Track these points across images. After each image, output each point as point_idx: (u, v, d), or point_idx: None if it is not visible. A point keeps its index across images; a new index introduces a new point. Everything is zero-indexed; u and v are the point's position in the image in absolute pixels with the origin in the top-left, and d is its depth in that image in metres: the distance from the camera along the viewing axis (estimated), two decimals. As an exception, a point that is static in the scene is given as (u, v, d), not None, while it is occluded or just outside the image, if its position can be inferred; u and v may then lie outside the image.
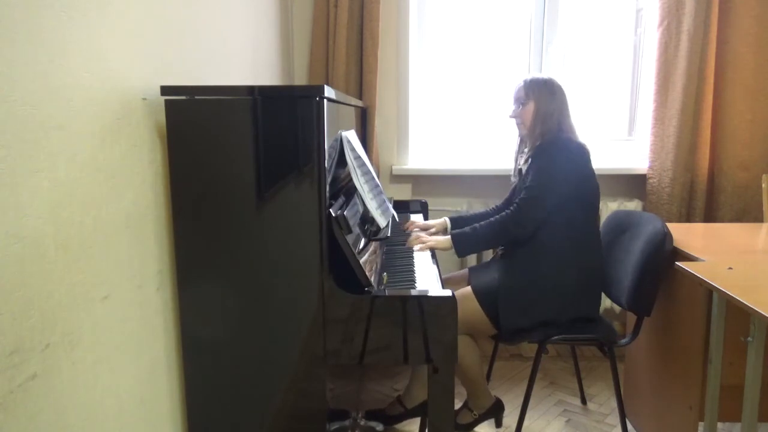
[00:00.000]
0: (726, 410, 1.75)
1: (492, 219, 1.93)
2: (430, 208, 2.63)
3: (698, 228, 2.22)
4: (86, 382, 1.06)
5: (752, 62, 2.51)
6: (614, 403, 2.34)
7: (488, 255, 2.69)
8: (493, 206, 2.24)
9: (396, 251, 1.98)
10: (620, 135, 2.86)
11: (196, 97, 1.32)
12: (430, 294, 1.40)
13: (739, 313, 1.43)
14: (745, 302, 1.26)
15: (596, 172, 1.95)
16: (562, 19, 2.73)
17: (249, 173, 1.33)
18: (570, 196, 1.87)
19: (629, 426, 2.11)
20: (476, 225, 1.93)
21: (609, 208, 2.65)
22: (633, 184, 2.74)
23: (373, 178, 1.72)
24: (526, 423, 2.18)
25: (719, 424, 2.02)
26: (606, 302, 2.65)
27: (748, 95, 2.53)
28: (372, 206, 1.67)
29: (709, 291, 1.60)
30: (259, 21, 2.22)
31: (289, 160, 1.33)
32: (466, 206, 2.72)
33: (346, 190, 1.68)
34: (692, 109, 2.53)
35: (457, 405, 2.06)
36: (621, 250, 2.01)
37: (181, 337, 1.42)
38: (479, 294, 1.90)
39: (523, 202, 1.88)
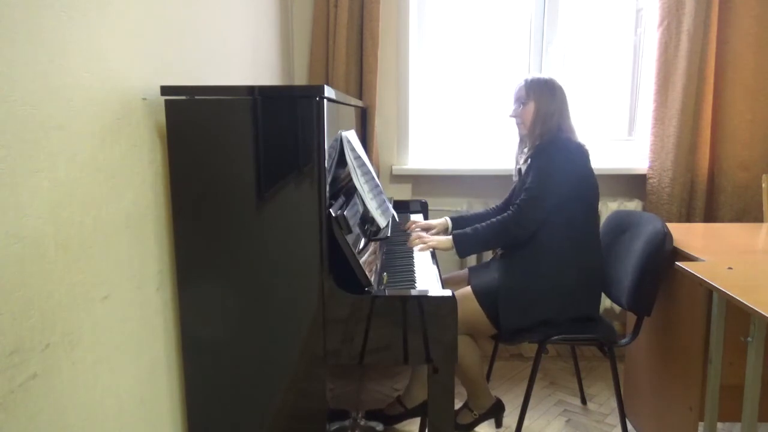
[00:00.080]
0: (726, 410, 1.75)
1: (493, 220, 1.93)
2: (430, 208, 2.63)
3: (698, 228, 2.22)
4: (86, 382, 1.06)
5: (752, 62, 2.51)
6: (614, 403, 2.34)
7: (488, 255, 2.68)
8: (493, 206, 2.24)
9: (396, 251, 1.98)
10: (620, 135, 2.86)
11: (196, 97, 1.32)
12: (430, 294, 1.40)
13: (739, 313, 1.43)
14: (745, 302, 1.26)
15: (596, 172, 1.95)
16: (562, 19, 2.73)
17: (249, 173, 1.33)
18: (569, 196, 1.87)
19: (629, 426, 2.11)
20: (477, 225, 1.93)
21: (609, 208, 2.65)
22: (633, 184, 2.74)
23: (373, 178, 1.72)
24: (526, 423, 2.18)
25: (719, 424, 2.02)
26: (606, 302, 2.65)
27: (748, 95, 2.53)
28: (372, 206, 1.67)
29: (709, 291, 1.60)
30: (259, 21, 2.22)
31: (289, 160, 1.33)
32: (466, 206, 2.72)
33: (346, 190, 1.68)
34: (692, 109, 2.53)
35: (457, 405, 2.06)
36: (621, 250, 2.01)
37: (181, 337, 1.42)
38: (479, 294, 1.90)
39: (524, 202, 1.88)
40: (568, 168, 1.88)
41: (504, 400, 2.15)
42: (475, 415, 2.08)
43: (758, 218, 2.49)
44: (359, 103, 2.29)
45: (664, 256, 1.81)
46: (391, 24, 2.67)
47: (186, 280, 1.39)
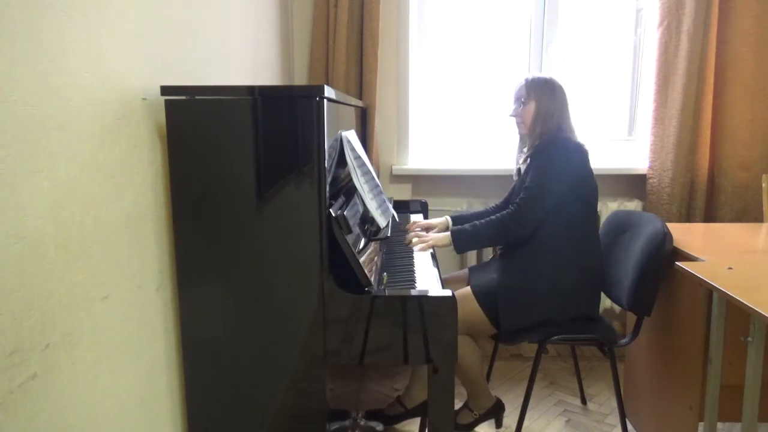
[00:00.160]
0: (726, 410, 1.75)
1: (492, 217, 1.93)
2: (430, 208, 2.63)
3: (698, 228, 2.22)
4: (86, 382, 1.06)
5: (752, 62, 2.51)
6: (614, 403, 2.34)
7: (488, 255, 2.69)
8: (493, 205, 2.24)
9: (396, 251, 1.98)
10: (620, 135, 2.86)
11: (196, 97, 1.32)
12: (430, 294, 1.40)
13: (739, 313, 1.43)
14: (745, 302, 1.26)
15: (596, 172, 1.95)
16: (562, 19, 2.73)
17: (249, 173, 1.33)
18: (569, 195, 1.87)
19: (629, 426, 2.11)
20: (476, 222, 1.93)
21: (609, 208, 2.65)
22: (633, 184, 2.74)
23: (373, 178, 1.72)
24: (526, 423, 2.18)
25: (719, 424, 2.02)
26: (606, 302, 2.65)
27: (748, 95, 2.53)
28: (372, 206, 1.67)
29: (709, 291, 1.60)
30: (259, 21, 2.22)
31: (289, 160, 1.33)
32: (466, 206, 2.72)
33: (346, 190, 1.68)
34: (692, 109, 2.53)
35: (457, 405, 2.06)
36: (621, 250, 2.01)
37: (181, 337, 1.42)
38: (479, 294, 1.90)
39: (523, 201, 1.88)
40: (567, 168, 1.88)
41: (504, 400, 2.15)
42: (475, 415, 2.08)
43: (758, 218, 2.49)
44: (359, 103, 2.29)
45: (664, 256, 1.81)
46: (391, 24, 2.67)
47: (186, 280, 1.39)
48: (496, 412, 2.10)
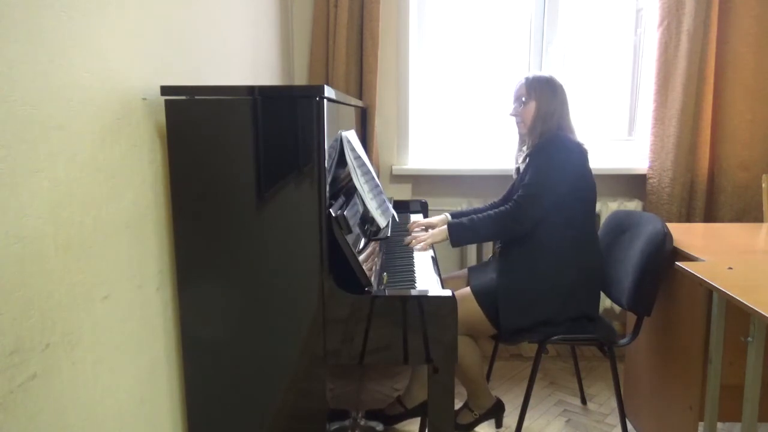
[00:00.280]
0: (726, 410, 1.75)
1: (490, 212, 1.92)
2: (430, 208, 2.63)
3: (698, 228, 2.22)
4: (86, 382, 1.06)
5: (752, 62, 2.51)
6: (614, 403, 2.34)
7: (488, 254, 2.69)
8: (492, 202, 2.24)
9: (396, 251, 1.98)
10: (620, 135, 2.86)
11: (196, 97, 1.32)
12: (430, 294, 1.40)
13: (739, 313, 1.43)
14: (745, 302, 1.26)
15: (596, 172, 1.95)
16: (562, 19, 2.72)
17: (249, 173, 1.33)
18: (568, 195, 1.87)
19: (629, 426, 2.11)
20: (474, 217, 1.93)
21: (609, 208, 2.65)
22: (633, 184, 2.74)
23: (373, 178, 1.72)
24: (526, 423, 2.18)
25: (719, 424, 2.02)
26: (606, 302, 2.65)
27: (748, 95, 2.53)
28: (372, 206, 1.67)
29: (709, 291, 1.60)
30: (259, 21, 2.22)
31: (289, 160, 1.33)
32: (466, 206, 2.71)
33: (346, 190, 1.68)
34: (692, 109, 2.53)
35: (457, 405, 2.06)
36: (621, 250, 2.01)
37: (181, 337, 1.42)
38: (478, 294, 1.90)
39: (521, 199, 1.87)
40: (567, 167, 1.87)
41: (504, 400, 2.15)
42: (475, 415, 2.08)
43: (758, 218, 2.49)
44: (359, 103, 2.29)
45: (664, 256, 1.81)
46: (391, 24, 2.67)
47: (186, 280, 1.39)
48: (496, 412, 2.10)
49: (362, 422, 2.18)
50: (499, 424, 2.13)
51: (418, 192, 2.80)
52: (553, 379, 2.60)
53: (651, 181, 2.63)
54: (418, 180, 2.79)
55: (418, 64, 2.78)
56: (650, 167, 2.63)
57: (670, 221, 2.41)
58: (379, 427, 2.16)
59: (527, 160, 1.95)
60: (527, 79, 1.97)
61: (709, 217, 2.65)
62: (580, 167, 1.90)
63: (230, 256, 1.37)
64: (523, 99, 1.96)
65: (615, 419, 2.23)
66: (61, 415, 0.99)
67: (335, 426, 1.74)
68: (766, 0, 2.46)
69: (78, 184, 1.03)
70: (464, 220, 1.93)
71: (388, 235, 1.80)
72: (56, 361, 0.97)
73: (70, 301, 1.01)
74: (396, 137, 2.78)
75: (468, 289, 1.94)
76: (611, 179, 2.72)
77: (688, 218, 2.63)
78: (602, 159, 2.75)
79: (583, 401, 2.38)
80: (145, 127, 1.28)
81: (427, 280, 1.66)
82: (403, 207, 2.62)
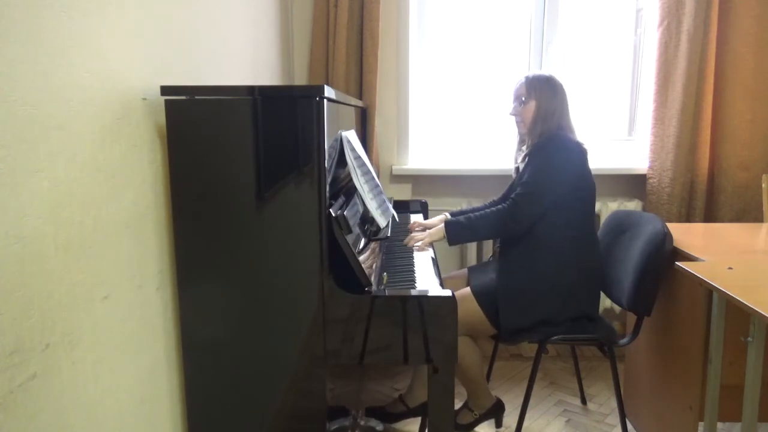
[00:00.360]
0: (726, 410, 1.75)
1: (488, 211, 1.92)
2: (430, 208, 2.63)
3: (698, 228, 2.22)
4: (86, 382, 1.06)
5: (752, 62, 2.51)
6: (614, 403, 2.34)
7: (488, 254, 2.69)
8: (491, 200, 2.24)
9: (396, 251, 1.98)
10: (620, 135, 2.86)
11: (196, 97, 1.32)
12: (430, 294, 1.40)
13: (739, 313, 1.43)
14: (745, 302, 1.26)
15: (596, 172, 1.95)
16: (562, 19, 2.72)
17: (249, 173, 1.33)
18: (568, 195, 1.87)
19: (629, 426, 2.12)
20: (471, 215, 1.93)
21: (609, 208, 2.65)
22: (633, 184, 2.74)
23: (373, 178, 1.72)
24: (526, 423, 2.18)
25: (719, 424, 2.02)
26: (606, 302, 2.65)
27: (748, 95, 2.53)
28: (372, 206, 1.67)
29: (709, 291, 1.60)
30: (259, 21, 2.22)
31: (289, 160, 1.33)
32: (465, 206, 2.70)
33: (346, 190, 1.68)
34: (692, 109, 2.53)
35: (457, 405, 2.06)
36: (621, 250, 2.01)
37: (181, 337, 1.42)
38: (478, 295, 1.90)
39: (519, 197, 1.87)
40: (567, 167, 1.87)
41: (504, 400, 2.15)
42: (475, 415, 2.08)
43: (758, 218, 2.49)
44: (359, 103, 2.29)
45: (664, 256, 1.81)
46: (391, 24, 2.67)
47: (186, 280, 1.39)
48: (496, 412, 2.10)
49: (362, 422, 2.18)
50: (499, 424, 2.13)
51: (418, 192, 2.80)
52: (553, 379, 2.60)
53: (651, 181, 2.63)
54: (418, 180, 2.79)
55: (418, 64, 2.78)
56: (650, 167, 2.63)
57: (670, 221, 2.41)
58: (379, 426, 2.16)
59: (526, 159, 1.95)
60: (527, 78, 1.96)
61: (709, 217, 2.65)
62: (580, 167, 1.90)
63: (230, 256, 1.37)
64: (523, 98, 1.96)
65: (615, 419, 2.23)
66: (61, 415, 0.99)
67: (335, 426, 1.74)
68: (766, 0, 2.46)
69: (78, 184, 1.03)
70: (461, 218, 1.93)
71: (388, 235, 1.80)
72: (56, 361, 0.97)
73: (70, 301, 1.01)
74: (396, 137, 2.78)
75: (468, 289, 1.94)
76: (611, 179, 2.72)
77: (688, 218, 2.63)
78: (602, 159, 2.75)
79: (583, 401, 2.38)
80: (145, 127, 1.28)
81: (427, 280, 1.66)
82: (403, 207, 2.62)
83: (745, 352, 1.50)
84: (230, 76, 1.85)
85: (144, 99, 1.27)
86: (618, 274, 1.98)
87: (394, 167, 2.75)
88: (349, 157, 1.58)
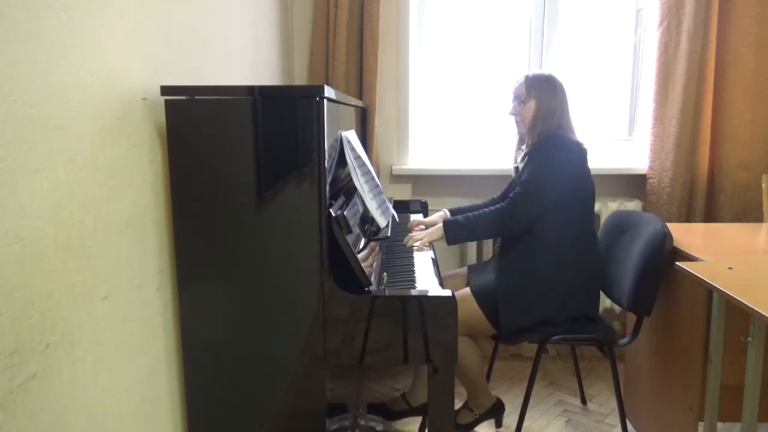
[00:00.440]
0: (726, 410, 1.75)
1: (486, 210, 1.92)
2: (430, 208, 2.63)
3: (698, 228, 2.22)
4: (86, 382, 1.06)
5: (752, 62, 2.51)
6: (614, 403, 2.34)
7: (488, 254, 2.69)
8: (491, 198, 2.24)
9: (396, 251, 1.98)
10: (620, 135, 2.86)
11: (196, 97, 1.32)
12: (430, 294, 1.40)
13: (739, 313, 1.43)
14: (745, 302, 1.26)
15: (596, 172, 1.95)
16: (562, 19, 2.73)
17: (249, 173, 1.33)
18: (568, 195, 1.87)
19: (629, 426, 2.12)
20: (469, 214, 1.92)
21: (609, 208, 2.65)
22: (633, 184, 2.74)
23: (373, 178, 1.72)
24: (526, 423, 2.18)
25: (719, 424, 2.02)
26: (606, 302, 2.65)
27: (748, 95, 2.53)
28: (372, 206, 1.67)
29: (709, 291, 1.60)
30: (259, 21, 2.22)
31: (289, 160, 1.33)
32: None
33: (346, 190, 1.68)
34: (692, 109, 2.53)
35: (457, 405, 2.06)
36: (621, 251, 2.01)
37: (181, 337, 1.42)
38: (478, 295, 1.90)
39: (518, 196, 1.87)
40: (567, 167, 1.87)
41: (504, 400, 2.15)
42: (475, 415, 2.08)
43: (758, 218, 2.49)
44: (359, 103, 2.29)
45: (664, 257, 1.81)
46: (391, 24, 2.67)
47: (186, 280, 1.39)
48: (496, 412, 2.10)
49: (362, 422, 2.18)
50: (499, 424, 2.13)
51: (418, 192, 2.80)
52: (553, 379, 2.60)
53: (651, 181, 2.63)
54: (418, 180, 2.79)
55: (418, 64, 2.78)
56: (650, 167, 2.63)
57: (670, 221, 2.41)
58: (380, 426, 2.17)
59: (526, 158, 1.95)
60: (527, 77, 1.96)
61: (709, 217, 2.65)
62: (580, 167, 1.90)
63: (230, 256, 1.37)
64: (523, 98, 1.95)
65: (615, 419, 2.23)
66: (61, 415, 0.99)
67: (335, 425, 1.75)
68: (766, 0, 2.46)
69: (78, 184, 1.03)
70: (460, 217, 1.92)
71: (388, 235, 1.80)
72: (56, 361, 0.97)
73: (70, 301, 1.01)
74: (396, 137, 2.78)
75: (468, 289, 1.94)
76: (611, 179, 2.72)
77: (688, 218, 2.63)
78: (602, 159, 2.75)
79: (583, 401, 2.38)
80: (145, 127, 1.28)
81: (427, 280, 1.66)
82: (403, 207, 2.62)
83: (745, 352, 1.50)
84: (230, 76, 1.85)
85: (144, 99, 1.27)
86: (618, 274, 1.98)
87: (394, 167, 2.75)
88: (349, 157, 1.58)
